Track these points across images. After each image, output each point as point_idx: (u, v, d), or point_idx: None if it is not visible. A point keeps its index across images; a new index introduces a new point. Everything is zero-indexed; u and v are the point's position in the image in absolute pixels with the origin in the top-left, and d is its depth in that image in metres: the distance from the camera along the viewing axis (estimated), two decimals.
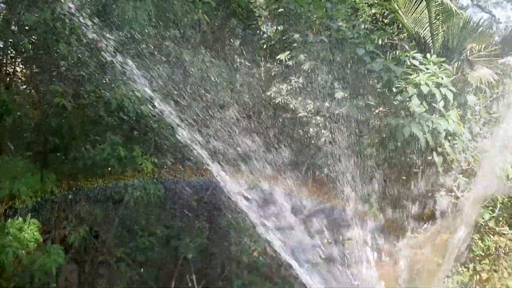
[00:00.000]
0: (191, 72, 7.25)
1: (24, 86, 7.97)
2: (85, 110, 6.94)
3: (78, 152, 7.02)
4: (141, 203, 8.81)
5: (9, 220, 5.69)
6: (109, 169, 6.95)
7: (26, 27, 6.81)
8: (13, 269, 7.03)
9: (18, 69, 8.62)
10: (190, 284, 10.84)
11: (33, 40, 6.87)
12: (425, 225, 11.81)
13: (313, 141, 13.11)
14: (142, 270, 10.61)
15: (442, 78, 10.40)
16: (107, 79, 5.96)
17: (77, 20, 5.35)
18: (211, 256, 10.55)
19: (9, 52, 7.86)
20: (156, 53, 6.96)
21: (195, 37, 9.80)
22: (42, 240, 6.06)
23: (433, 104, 10.54)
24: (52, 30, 6.00)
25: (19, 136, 7.06)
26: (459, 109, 11.35)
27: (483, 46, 11.97)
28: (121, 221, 10.03)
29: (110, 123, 6.94)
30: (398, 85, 10.83)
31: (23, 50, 7.11)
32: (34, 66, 7.66)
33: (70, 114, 6.64)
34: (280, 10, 12.60)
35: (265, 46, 14.45)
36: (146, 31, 6.48)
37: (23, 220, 5.78)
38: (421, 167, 11.76)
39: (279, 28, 14.52)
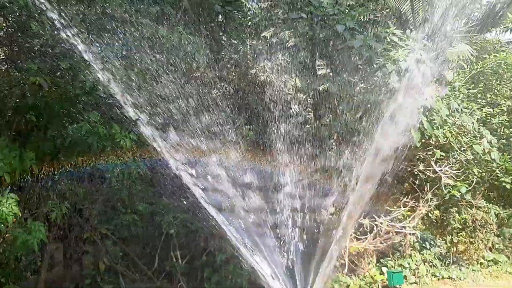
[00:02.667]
0: (168, 49, 7.28)
1: (2, 66, 7.94)
2: (62, 88, 6.95)
3: (57, 131, 7.07)
4: (123, 181, 8.92)
5: None
6: (89, 147, 6.99)
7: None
8: None
9: None
10: (174, 260, 11.03)
11: (8, 18, 6.83)
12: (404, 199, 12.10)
13: (295, 119, 13.21)
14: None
15: (421, 55, 10.50)
16: (80, 58, 5.96)
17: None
18: (195, 232, 10.70)
19: None
20: (132, 30, 6.97)
21: (175, 15, 9.79)
22: (20, 215, 6.16)
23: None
24: (24, 8, 5.99)
25: None
26: (437, 85, 11.49)
27: (462, 22, 12.07)
28: (104, 199, 10.14)
29: (88, 101, 6.97)
30: (378, 62, 10.93)
31: None
32: (11, 45, 7.62)
33: (47, 92, 6.66)
34: None
35: (250, 24, 14.40)
36: (121, 8, 6.48)
37: (1, 195, 5.88)
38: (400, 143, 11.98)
39: (263, 4, 14.49)
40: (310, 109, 14.34)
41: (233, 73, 14.65)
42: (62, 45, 5.87)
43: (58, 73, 6.94)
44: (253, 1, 15.17)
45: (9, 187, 6.31)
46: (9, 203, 5.79)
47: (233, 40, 14.68)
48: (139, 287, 11.27)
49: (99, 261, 12.66)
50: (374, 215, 12.21)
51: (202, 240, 11.12)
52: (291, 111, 13.37)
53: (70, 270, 11.52)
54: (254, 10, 14.92)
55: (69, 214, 9.89)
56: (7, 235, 6.76)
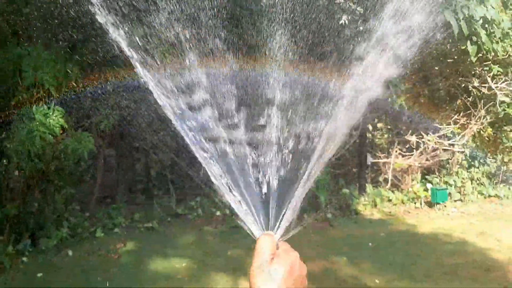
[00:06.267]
0: None
1: None
2: None
3: (97, 44, 7.12)
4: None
5: (35, 106, 6.10)
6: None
7: None
8: (51, 153, 7.69)
9: None
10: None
11: None
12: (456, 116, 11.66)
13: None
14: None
15: None
16: None
17: None
18: None
19: None
20: None
21: None
22: (67, 126, 6.51)
23: None
24: None
25: (37, 27, 7.20)
26: None
27: None
28: (151, 109, 10.45)
29: None
30: None
31: None
32: None
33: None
34: None
35: None
36: None
37: (48, 108, 6.20)
38: (455, 58, 11.33)
39: None
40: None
41: None
42: None
43: None
44: None
45: (55, 100, 6.59)
46: (56, 115, 6.11)
47: None
48: (187, 193, 11.92)
49: (150, 168, 13.43)
50: (421, 132, 11.96)
51: None
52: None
53: (124, 176, 12.28)
54: None
55: (120, 124, 10.39)
56: (59, 143, 7.20)
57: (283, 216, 1.31)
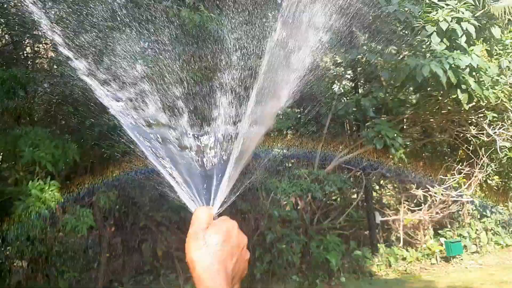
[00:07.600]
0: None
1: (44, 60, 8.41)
2: None
3: (93, 119, 7.29)
4: None
5: (30, 182, 6.16)
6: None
7: None
8: (51, 234, 7.63)
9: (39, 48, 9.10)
10: None
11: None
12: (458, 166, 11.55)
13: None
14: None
15: (463, 13, 10.05)
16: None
17: None
18: (245, 212, 10.82)
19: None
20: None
21: None
22: (62, 200, 6.51)
23: (457, 41, 10.21)
24: None
25: (35, 108, 7.45)
26: (485, 44, 10.88)
27: None
28: (151, 186, 10.45)
29: None
30: (417, 25, 10.54)
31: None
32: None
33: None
34: None
35: None
36: None
37: (44, 183, 6.25)
38: (449, 109, 11.46)
39: None
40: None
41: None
42: None
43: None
44: None
45: (52, 175, 6.65)
46: (52, 190, 6.14)
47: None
48: None
49: (157, 247, 13.16)
50: (427, 185, 11.80)
51: (253, 220, 11.22)
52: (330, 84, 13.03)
53: (131, 259, 12.02)
54: None
55: (122, 203, 10.38)
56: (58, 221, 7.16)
57: (217, 193, 1.34)
